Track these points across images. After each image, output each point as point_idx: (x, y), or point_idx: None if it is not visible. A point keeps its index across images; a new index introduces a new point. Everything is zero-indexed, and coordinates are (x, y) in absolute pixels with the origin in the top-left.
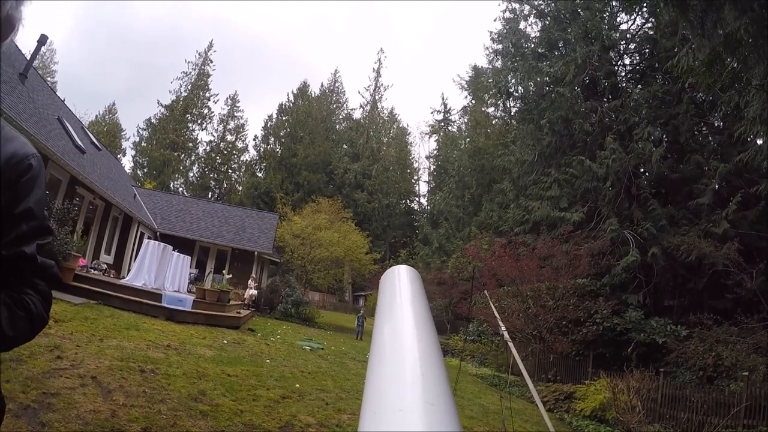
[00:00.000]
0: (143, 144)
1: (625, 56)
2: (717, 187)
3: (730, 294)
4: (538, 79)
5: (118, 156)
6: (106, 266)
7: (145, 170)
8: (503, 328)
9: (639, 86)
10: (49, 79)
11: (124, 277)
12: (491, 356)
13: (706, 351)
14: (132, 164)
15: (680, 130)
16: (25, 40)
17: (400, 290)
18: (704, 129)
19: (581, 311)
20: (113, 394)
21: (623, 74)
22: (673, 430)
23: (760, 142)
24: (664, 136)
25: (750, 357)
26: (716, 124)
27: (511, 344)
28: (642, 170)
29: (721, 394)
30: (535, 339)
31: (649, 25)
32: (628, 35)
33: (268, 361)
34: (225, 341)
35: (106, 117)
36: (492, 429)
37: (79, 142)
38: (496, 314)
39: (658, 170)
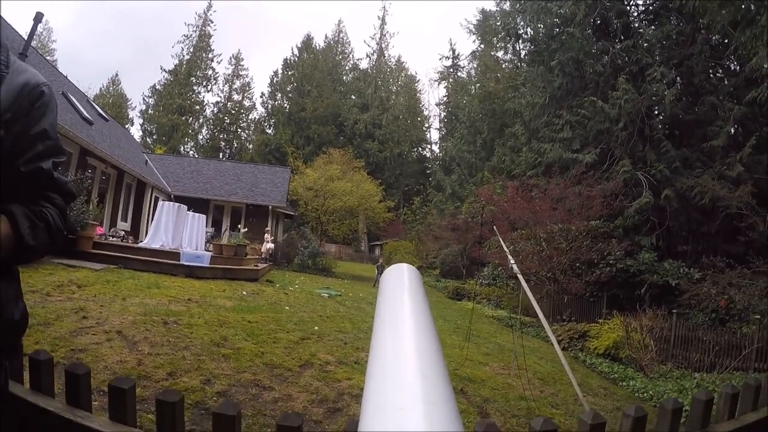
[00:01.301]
0: (150, 111)
1: None
2: (732, 130)
3: (743, 237)
4: (548, 20)
5: (126, 126)
6: (123, 233)
7: (155, 137)
8: (512, 261)
9: (652, 27)
10: (48, 57)
11: (142, 242)
12: (506, 299)
13: (719, 293)
14: (141, 132)
15: (694, 72)
16: (20, 21)
17: (401, 289)
18: (719, 71)
19: (594, 253)
20: (138, 345)
21: (635, 14)
22: (685, 369)
23: None
24: (678, 78)
25: (763, 300)
26: (731, 67)
27: (520, 276)
28: (655, 112)
29: (733, 336)
30: (550, 281)
31: None
32: None
33: (287, 308)
34: (244, 293)
35: (110, 88)
36: (506, 364)
37: (86, 115)
38: (505, 249)
39: (672, 112)
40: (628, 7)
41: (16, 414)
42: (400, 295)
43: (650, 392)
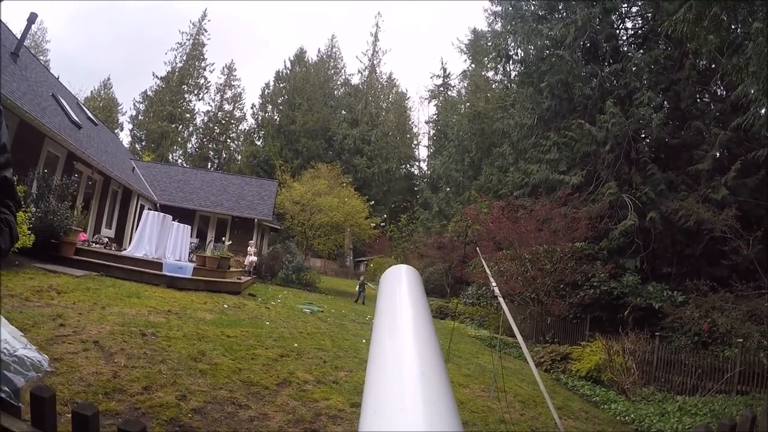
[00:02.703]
0: (140, 117)
1: (626, 19)
2: (717, 154)
3: (727, 261)
4: (538, 42)
5: (116, 131)
6: (107, 240)
7: (143, 144)
8: (494, 284)
9: (640, 51)
10: (41, 57)
11: (125, 249)
12: (490, 318)
13: (702, 317)
14: (130, 138)
15: (681, 96)
16: (15, 21)
17: (400, 290)
18: (706, 96)
19: (579, 274)
20: (115, 356)
21: (624, 38)
22: (667, 392)
23: (763, 111)
24: (665, 102)
25: (745, 324)
26: (718, 92)
27: (501, 299)
28: (642, 135)
29: (716, 359)
30: (533, 302)
31: None
32: None
33: (267, 323)
34: (225, 306)
35: (102, 92)
36: (487, 386)
37: (75, 118)
38: (488, 271)
39: (658, 135)
40: (618, 31)
41: None
42: (400, 295)
43: (632, 415)
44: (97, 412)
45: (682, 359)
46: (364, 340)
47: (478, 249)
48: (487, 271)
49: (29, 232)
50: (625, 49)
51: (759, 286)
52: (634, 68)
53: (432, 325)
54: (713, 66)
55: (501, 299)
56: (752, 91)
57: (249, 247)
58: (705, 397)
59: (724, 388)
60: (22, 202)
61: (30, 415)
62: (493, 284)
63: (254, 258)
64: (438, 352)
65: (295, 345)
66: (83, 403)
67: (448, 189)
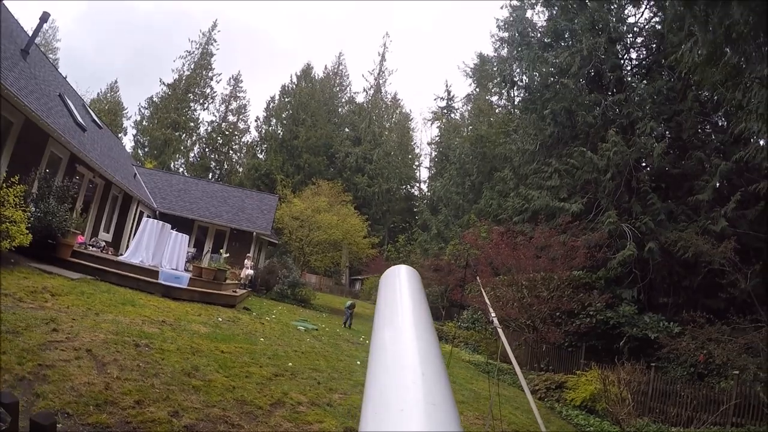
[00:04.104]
0: (144, 123)
1: (631, 50)
2: (717, 184)
3: (724, 293)
4: (543, 69)
5: (120, 135)
6: (104, 243)
7: (146, 150)
8: (493, 315)
9: (644, 81)
10: (51, 55)
11: (122, 255)
12: (484, 344)
13: (698, 348)
14: (133, 143)
15: (683, 127)
16: (28, 19)
17: (400, 290)
18: (707, 127)
19: (575, 303)
20: (107, 367)
21: (629, 68)
22: (662, 424)
23: (762, 142)
24: (667, 132)
25: (741, 357)
26: (720, 123)
27: (500, 329)
28: (643, 164)
29: (711, 391)
30: (529, 328)
31: (657, 19)
32: (635, 28)
33: (262, 339)
34: (220, 319)
35: (108, 95)
36: (481, 414)
37: (80, 120)
38: (487, 301)
39: (659, 165)
40: (622, 61)
41: None
42: (400, 296)
43: None
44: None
45: (677, 390)
46: (358, 362)
47: (478, 278)
48: (486, 300)
49: (27, 231)
50: (629, 79)
51: (756, 319)
52: (637, 98)
53: (432, 325)
54: (715, 98)
55: (499, 329)
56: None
57: (246, 260)
58: (700, 429)
59: (719, 420)
60: (23, 202)
61: None
62: (492, 315)
63: (251, 271)
64: (438, 353)
65: (290, 364)
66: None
67: (447, 211)
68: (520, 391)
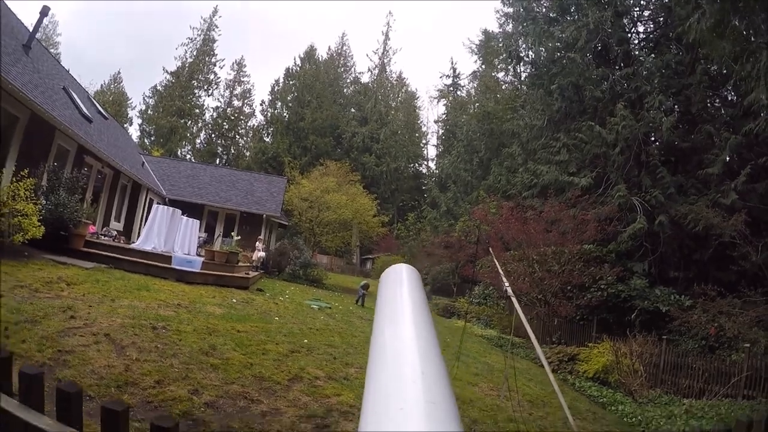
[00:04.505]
0: (150, 112)
1: (638, 23)
2: (727, 158)
3: (735, 266)
4: (549, 44)
5: (125, 125)
6: (116, 233)
7: (152, 138)
8: (506, 284)
9: (652, 55)
10: (52, 50)
11: (134, 243)
12: (496, 318)
13: (709, 321)
14: (139, 133)
15: (692, 101)
16: (28, 14)
17: (401, 289)
18: (717, 101)
19: (586, 277)
20: (126, 350)
21: (636, 42)
22: (674, 395)
23: None
24: (676, 106)
25: (752, 330)
26: (729, 98)
27: (513, 298)
28: (652, 138)
29: (723, 363)
30: (540, 303)
31: None
32: (642, 2)
33: (276, 318)
34: (234, 300)
35: (112, 86)
36: (496, 386)
37: (86, 111)
38: (500, 270)
39: (669, 139)
40: (629, 35)
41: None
42: (400, 295)
43: (639, 417)
44: (127, 409)
45: (689, 363)
46: None
47: (491, 249)
48: (500, 270)
49: (39, 223)
50: (637, 52)
51: (766, 292)
52: (645, 72)
53: (432, 325)
54: (725, 71)
55: (514, 299)
56: (764, 97)
57: (258, 243)
58: (711, 401)
59: (730, 392)
60: (33, 195)
61: (55, 410)
62: (506, 284)
63: (262, 253)
64: (438, 352)
65: (305, 341)
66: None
67: (456, 188)
68: (533, 363)
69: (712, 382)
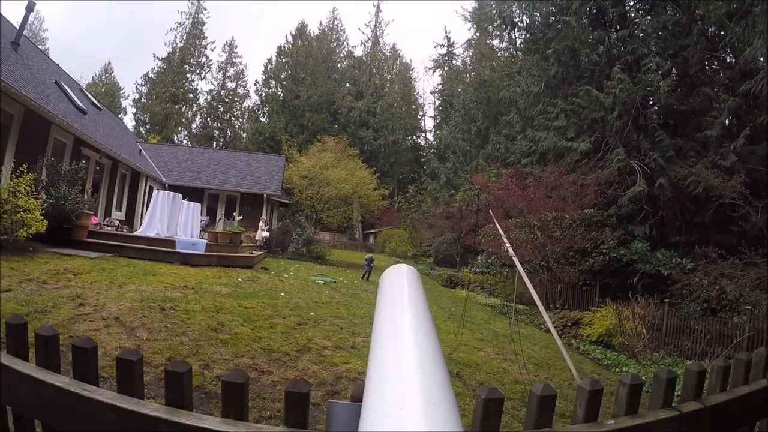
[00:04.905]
0: (143, 100)
1: None
2: (726, 120)
3: (736, 228)
4: (544, 9)
5: (119, 115)
6: (118, 222)
7: (148, 126)
8: (507, 245)
9: (648, 17)
10: (40, 46)
11: (137, 230)
12: (500, 287)
13: (711, 284)
14: (134, 122)
15: (690, 63)
16: (12, 12)
17: (401, 289)
18: (714, 63)
19: (588, 241)
20: (136, 331)
21: (631, 4)
22: (677, 357)
23: None
24: (673, 68)
25: (754, 291)
26: (727, 60)
27: (515, 258)
28: (650, 101)
29: (725, 326)
30: (543, 269)
31: None
32: None
33: (282, 294)
34: (240, 279)
35: (103, 77)
36: (501, 350)
37: (80, 104)
38: (501, 231)
39: (667, 102)
40: None
41: (21, 392)
42: (400, 296)
43: (643, 378)
44: (141, 358)
45: (691, 325)
46: None
47: (491, 212)
48: (501, 232)
49: (42, 218)
50: (632, 15)
51: (767, 253)
52: (641, 34)
53: (433, 324)
54: (721, 33)
55: (516, 260)
56: (761, 58)
57: (261, 222)
58: (714, 362)
59: (732, 353)
60: (34, 189)
61: (72, 368)
62: (507, 245)
63: (266, 233)
64: (438, 351)
65: (312, 314)
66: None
67: (455, 159)
68: (537, 329)
69: (714, 344)
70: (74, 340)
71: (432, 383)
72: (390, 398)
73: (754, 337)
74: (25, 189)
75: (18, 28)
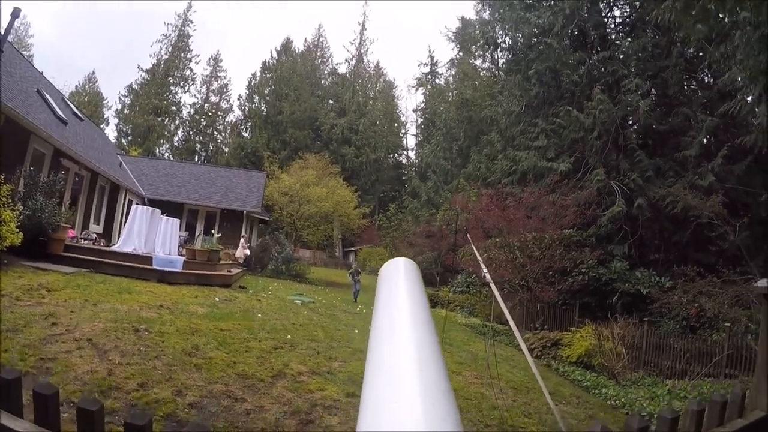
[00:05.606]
0: (126, 111)
1: (614, 7)
2: (704, 140)
3: (714, 247)
4: (526, 30)
5: (101, 125)
6: (95, 236)
7: (130, 138)
8: (485, 270)
9: (628, 39)
10: (25, 52)
11: (114, 245)
12: (479, 306)
13: (690, 302)
14: (116, 133)
15: (669, 83)
16: None
17: (398, 283)
18: (693, 84)
19: (567, 261)
20: (109, 354)
21: (612, 26)
22: (657, 377)
23: (749, 98)
24: (653, 89)
25: (732, 309)
26: (705, 80)
27: (493, 285)
28: (630, 122)
29: (704, 343)
30: (523, 289)
31: None
32: None
33: (259, 315)
34: (217, 299)
35: (87, 87)
36: (480, 373)
37: (61, 114)
38: (478, 257)
39: (646, 122)
40: (606, 19)
41: None
42: (398, 289)
43: (622, 400)
44: (101, 407)
45: (670, 344)
46: (356, 330)
47: (469, 236)
48: (479, 257)
49: (17, 230)
50: (613, 37)
51: (745, 271)
52: (621, 56)
53: (431, 320)
54: (701, 54)
55: (493, 285)
56: (739, 79)
57: (241, 239)
58: (694, 381)
59: (712, 371)
60: (10, 201)
61: (33, 413)
62: (485, 270)
63: (247, 251)
64: (437, 347)
65: (288, 336)
66: (87, 398)
67: (436, 177)
68: (516, 350)
69: (694, 362)
70: (36, 386)
71: (430, 379)
72: (388, 394)
73: (733, 354)
74: (1, 200)
75: (2, 34)
